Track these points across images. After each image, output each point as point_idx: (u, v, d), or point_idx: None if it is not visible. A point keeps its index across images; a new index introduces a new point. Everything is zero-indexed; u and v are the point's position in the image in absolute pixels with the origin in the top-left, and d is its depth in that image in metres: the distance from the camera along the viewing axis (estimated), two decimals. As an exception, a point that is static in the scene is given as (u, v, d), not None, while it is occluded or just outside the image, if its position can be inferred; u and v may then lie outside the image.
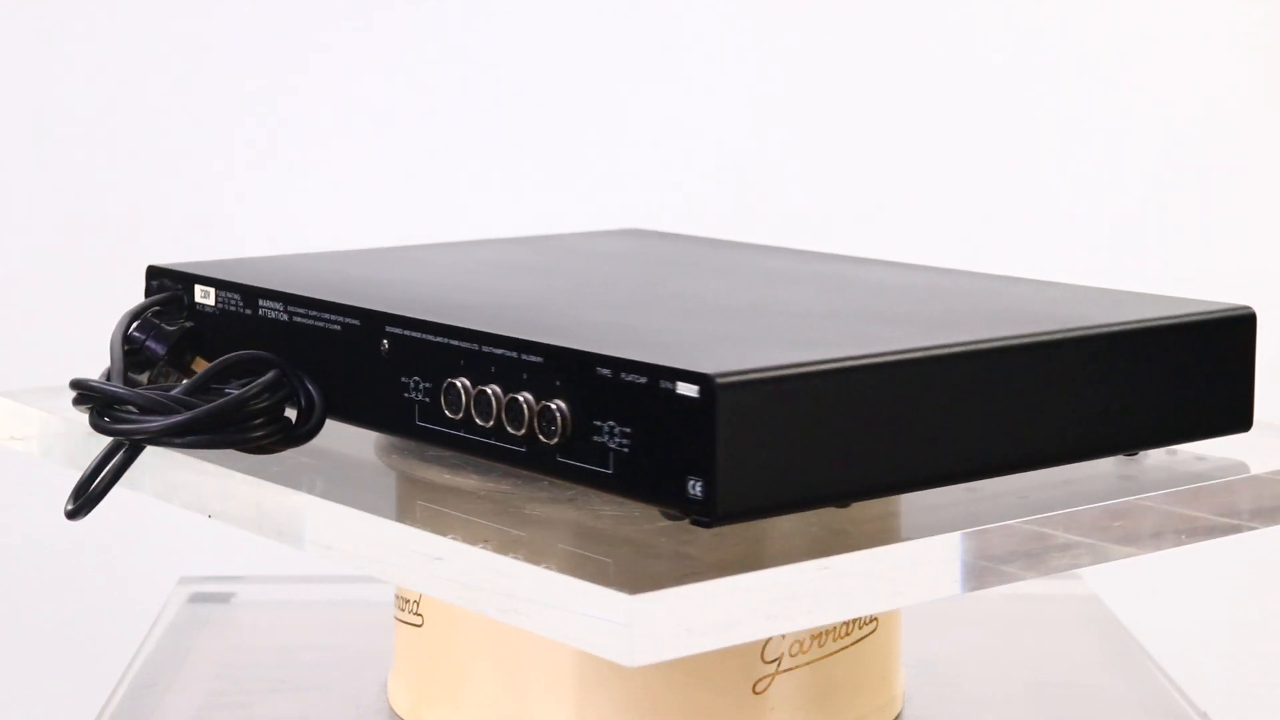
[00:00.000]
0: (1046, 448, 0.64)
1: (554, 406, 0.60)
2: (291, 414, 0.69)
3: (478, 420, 0.63)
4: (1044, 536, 0.63)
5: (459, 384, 0.64)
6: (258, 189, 1.36)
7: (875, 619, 0.73)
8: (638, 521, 0.62)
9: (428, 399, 0.65)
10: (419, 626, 0.74)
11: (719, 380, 0.57)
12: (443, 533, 0.61)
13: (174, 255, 0.86)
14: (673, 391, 0.58)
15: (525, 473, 0.65)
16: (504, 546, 0.60)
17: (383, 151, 1.37)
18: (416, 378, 0.66)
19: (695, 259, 0.81)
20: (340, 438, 0.72)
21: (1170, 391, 0.67)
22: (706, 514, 0.57)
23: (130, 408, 0.68)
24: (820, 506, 0.60)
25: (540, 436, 0.61)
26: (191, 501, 0.70)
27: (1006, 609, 0.93)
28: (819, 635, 0.71)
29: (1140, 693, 0.82)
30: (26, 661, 1.39)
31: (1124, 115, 1.39)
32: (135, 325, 0.75)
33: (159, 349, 0.75)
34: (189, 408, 0.67)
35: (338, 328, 0.69)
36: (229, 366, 0.70)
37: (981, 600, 0.93)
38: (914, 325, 0.66)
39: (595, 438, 0.60)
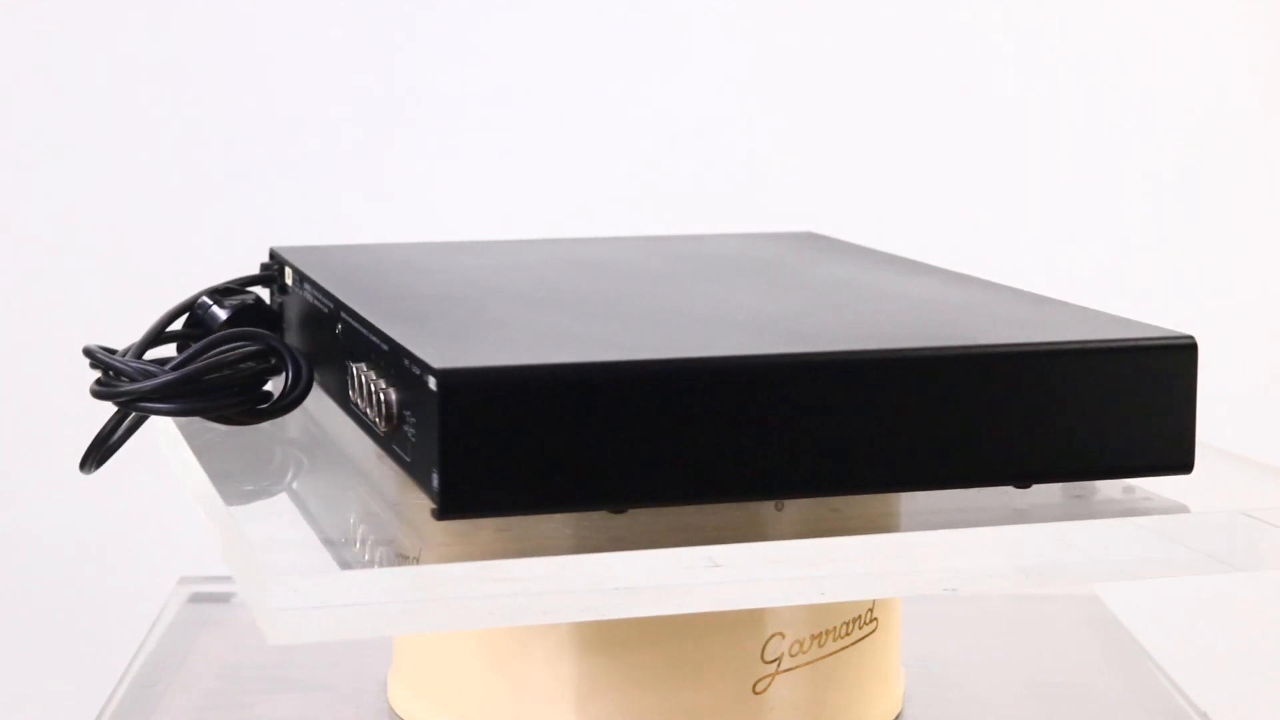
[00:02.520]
0: (870, 470, 0.61)
1: (385, 395, 0.63)
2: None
3: (360, 403, 0.66)
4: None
5: (355, 368, 0.66)
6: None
7: (875, 619, 0.73)
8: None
9: (348, 381, 0.68)
10: (419, 626, 0.74)
11: (444, 374, 0.57)
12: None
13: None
14: (425, 384, 0.59)
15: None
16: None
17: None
18: (349, 361, 0.68)
19: (639, 259, 0.82)
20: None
21: (1076, 422, 0.62)
22: (438, 506, 0.58)
23: (123, 376, 0.71)
24: (578, 509, 0.59)
25: (382, 423, 0.63)
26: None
27: (1006, 609, 0.93)
28: (819, 635, 0.71)
29: (1140, 693, 0.82)
30: (26, 661, 1.39)
31: (1121, 115, 1.39)
32: (209, 295, 0.79)
33: (219, 318, 0.78)
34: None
35: (325, 310, 0.73)
36: (220, 340, 0.72)
37: (981, 600, 0.93)
38: (745, 329, 0.64)
39: (403, 426, 0.61)
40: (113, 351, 0.73)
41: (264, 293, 0.82)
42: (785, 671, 0.71)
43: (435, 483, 0.58)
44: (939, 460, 0.61)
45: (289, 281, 0.79)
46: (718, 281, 0.75)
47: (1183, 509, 0.64)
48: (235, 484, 0.69)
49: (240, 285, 0.81)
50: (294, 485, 0.71)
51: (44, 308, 1.37)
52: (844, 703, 0.72)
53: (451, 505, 0.58)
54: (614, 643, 0.69)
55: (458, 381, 0.57)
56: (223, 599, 0.95)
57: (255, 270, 0.83)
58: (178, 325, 0.78)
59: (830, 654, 0.72)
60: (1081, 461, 0.62)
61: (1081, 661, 0.87)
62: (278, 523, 0.65)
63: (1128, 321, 0.65)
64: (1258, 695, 1.41)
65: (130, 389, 0.70)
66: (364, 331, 0.66)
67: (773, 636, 0.70)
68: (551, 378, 0.58)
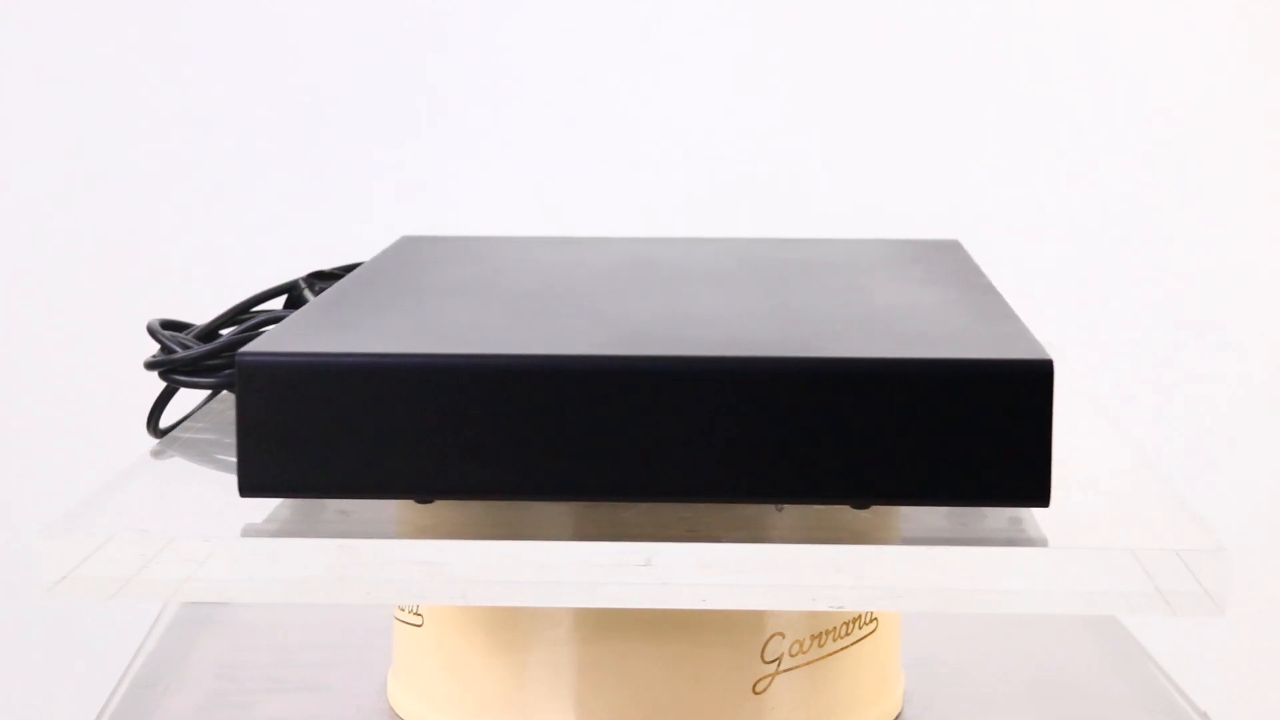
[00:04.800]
0: (685, 479, 0.60)
1: None
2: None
3: None
4: None
5: None
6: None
7: (875, 619, 0.73)
8: None
9: None
10: (419, 626, 0.74)
11: (244, 360, 0.60)
12: None
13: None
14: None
15: None
16: None
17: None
18: None
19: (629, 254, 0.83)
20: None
21: (919, 443, 0.59)
22: (239, 483, 0.61)
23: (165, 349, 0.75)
24: (377, 496, 0.61)
25: None
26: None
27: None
28: (819, 635, 0.71)
29: (1140, 693, 0.82)
30: (26, 661, 1.39)
31: (1118, 113, 1.39)
32: (305, 279, 0.82)
33: (305, 302, 0.80)
34: None
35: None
36: (243, 318, 0.76)
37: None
38: (595, 329, 0.65)
39: None
40: (181, 328, 0.77)
41: None
42: (785, 671, 0.70)
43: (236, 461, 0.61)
44: (767, 474, 0.60)
45: None
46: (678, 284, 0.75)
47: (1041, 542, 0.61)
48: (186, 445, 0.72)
49: (344, 271, 0.83)
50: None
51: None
52: (844, 703, 0.72)
53: (250, 483, 0.61)
54: (614, 643, 0.69)
55: (254, 368, 0.60)
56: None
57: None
58: (278, 307, 0.80)
59: (830, 654, 0.71)
60: (923, 485, 0.59)
61: (1081, 661, 0.87)
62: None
63: (999, 337, 0.62)
64: (1258, 695, 1.41)
65: (157, 358, 0.74)
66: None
67: (773, 636, 0.70)
68: (341, 369, 0.60)
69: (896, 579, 0.60)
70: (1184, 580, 0.59)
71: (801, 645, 0.71)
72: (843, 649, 0.72)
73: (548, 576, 0.61)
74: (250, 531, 0.62)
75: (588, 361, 0.60)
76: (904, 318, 0.66)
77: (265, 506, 0.65)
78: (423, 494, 0.61)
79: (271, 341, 0.62)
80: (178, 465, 0.73)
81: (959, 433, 0.59)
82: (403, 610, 0.75)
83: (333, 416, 0.60)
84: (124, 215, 1.39)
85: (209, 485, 0.69)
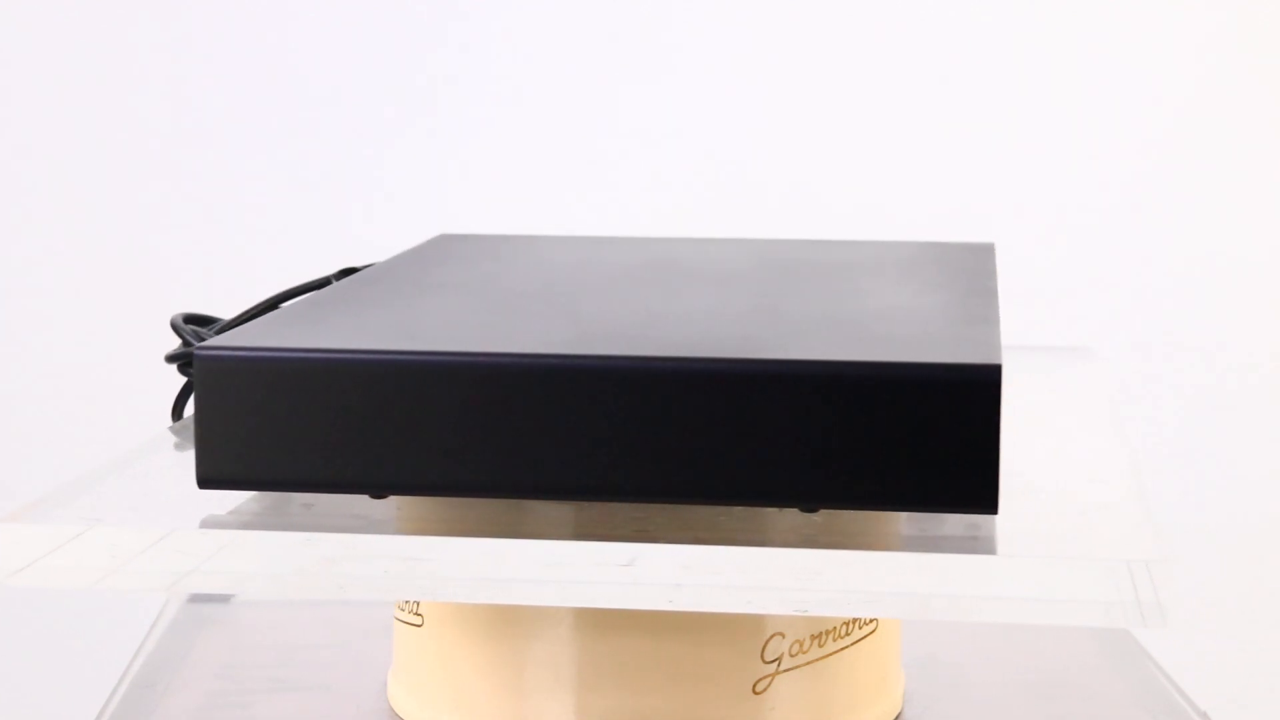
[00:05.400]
0: (633, 478, 0.60)
1: None
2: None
3: None
4: None
5: None
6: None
7: (875, 619, 0.73)
8: None
9: None
10: (419, 626, 0.74)
11: (200, 354, 0.61)
12: None
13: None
14: None
15: None
16: None
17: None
18: None
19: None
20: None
21: (864, 447, 0.59)
22: (197, 476, 0.62)
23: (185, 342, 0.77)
24: (331, 491, 0.62)
25: None
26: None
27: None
28: (819, 635, 0.71)
29: (1140, 693, 0.82)
30: (26, 661, 1.39)
31: (1116, 110, 1.39)
32: (336, 275, 0.82)
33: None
34: None
35: None
36: (270, 305, 0.77)
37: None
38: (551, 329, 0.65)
39: None
40: (206, 322, 0.78)
41: None
42: (785, 671, 0.71)
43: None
44: (714, 475, 0.59)
45: None
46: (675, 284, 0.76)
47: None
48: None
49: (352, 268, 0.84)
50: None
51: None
52: (844, 703, 0.72)
53: (207, 476, 0.62)
54: (614, 643, 0.69)
55: (210, 362, 0.61)
56: (223, 599, 0.95)
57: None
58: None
59: (830, 654, 0.71)
60: (869, 489, 0.59)
61: (1081, 661, 0.87)
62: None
63: (957, 342, 0.62)
64: (1258, 695, 1.41)
65: (177, 352, 0.75)
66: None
67: (772, 636, 0.70)
68: (291, 365, 0.61)
69: (848, 583, 0.59)
70: (1127, 590, 0.58)
71: (801, 645, 0.71)
72: (843, 649, 0.72)
73: (517, 574, 0.61)
74: (210, 523, 0.63)
75: (531, 360, 0.60)
76: (879, 321, 0.66)
77: (235, 499, 0.66)
78: (374, 490, 0.62)
79: (231, 337, 0.63)
80: (168, 457, 0.73)
81: (904, 437, 0.58)
82: (402, 610, 0.75)
83: (285, 412, 0.61)
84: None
85: (185, 477, 0.70)
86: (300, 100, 1.38)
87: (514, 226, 1.28)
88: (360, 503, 0.65)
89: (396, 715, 0.76)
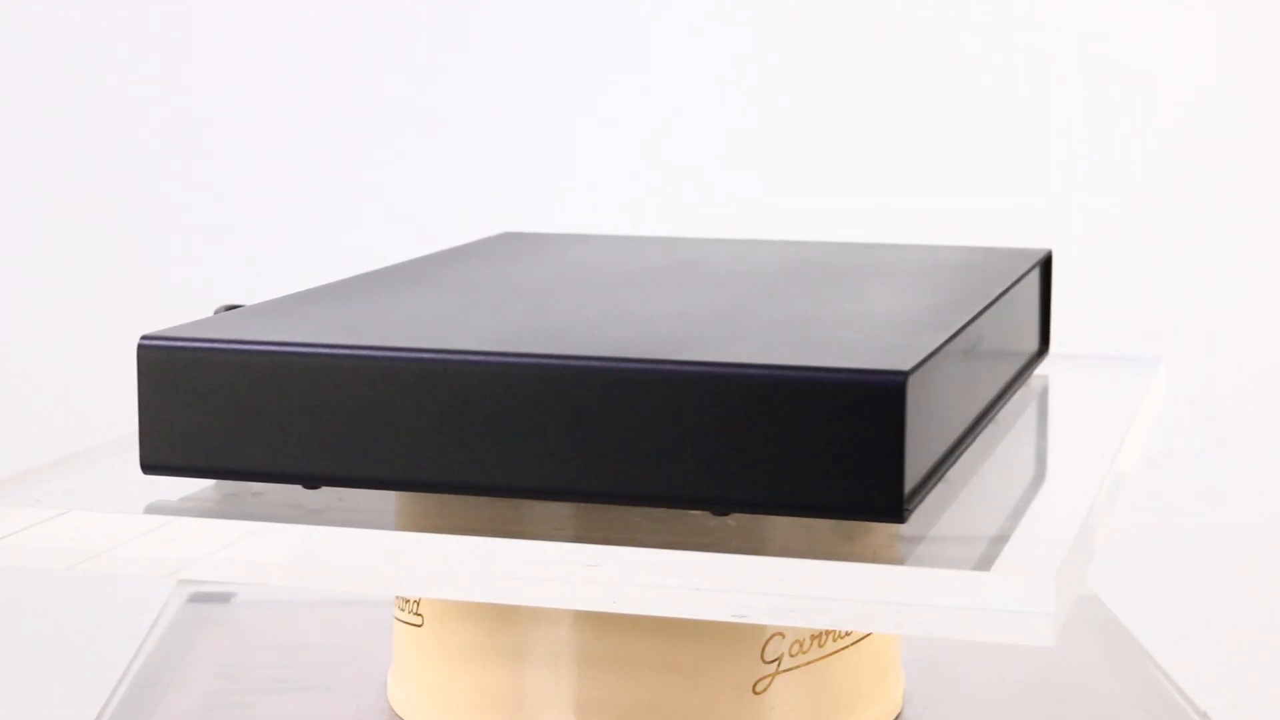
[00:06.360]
0: (542, 476, 0.61)
1: None
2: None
3: None
4: None
5: None
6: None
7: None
8: None
9: None
10: (419, 626, 0.74)
11: (140, 345, 0.64)
12: None
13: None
14: None
15: None
16: None
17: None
18: None
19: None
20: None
21: (770, 452, 0.58)
22: (140, 461, 0.64)
23: None
24: (265, 480, 0.64)
25: None
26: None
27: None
28: (819, 635, 0.71)
29: (1140, 693, 0.82)
30: (26, 661, 1.39)
31: (1116, 108, 1.39)
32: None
33: None
34: None
35: None
36: None
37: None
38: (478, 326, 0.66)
39: None
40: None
41: None
42: (785, 671, 0.71)
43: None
44: (626, 476, 0.60)
45: None
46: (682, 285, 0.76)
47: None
48: None
49: None
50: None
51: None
52: (844, 703, 0.72)
53: (148, 462, 0.64)
54: (614, 643, 0.69)
55: (148, 352, 0.64)
56: (223, 599, 0.95)
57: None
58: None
59: (830, 654, 0.72)
60: (778, 495, 0.59)
61: (1081, 661, 0.87)
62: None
63: (879, 348, 0.61)
64: (1258, 695, 1.41)
65: None
66: None
67: (773, 636, 0.70)
68: (223, 358, 0.63)
69: (768, 587, 0.59)
70: (1009, 602, 0.57)
71: (801, 645, 0.71)
72: (843, 649, 0.72)
73: (471, 570, 0.61)
74: (153, 509, 0.65)
75: (440, 357, 0.61)
76: (827, 326, 0.66)
77: (193, 485, 0.68)
78: (306, 480, 0.64)
79: (174, 329, 0.66)
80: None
81: (809, 444, 0.58)
82: (402, 610, 0.75)
83: (219, 402, 0.63)
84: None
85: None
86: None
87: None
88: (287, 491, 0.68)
89: (396, 715, 0.76)
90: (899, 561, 0.59)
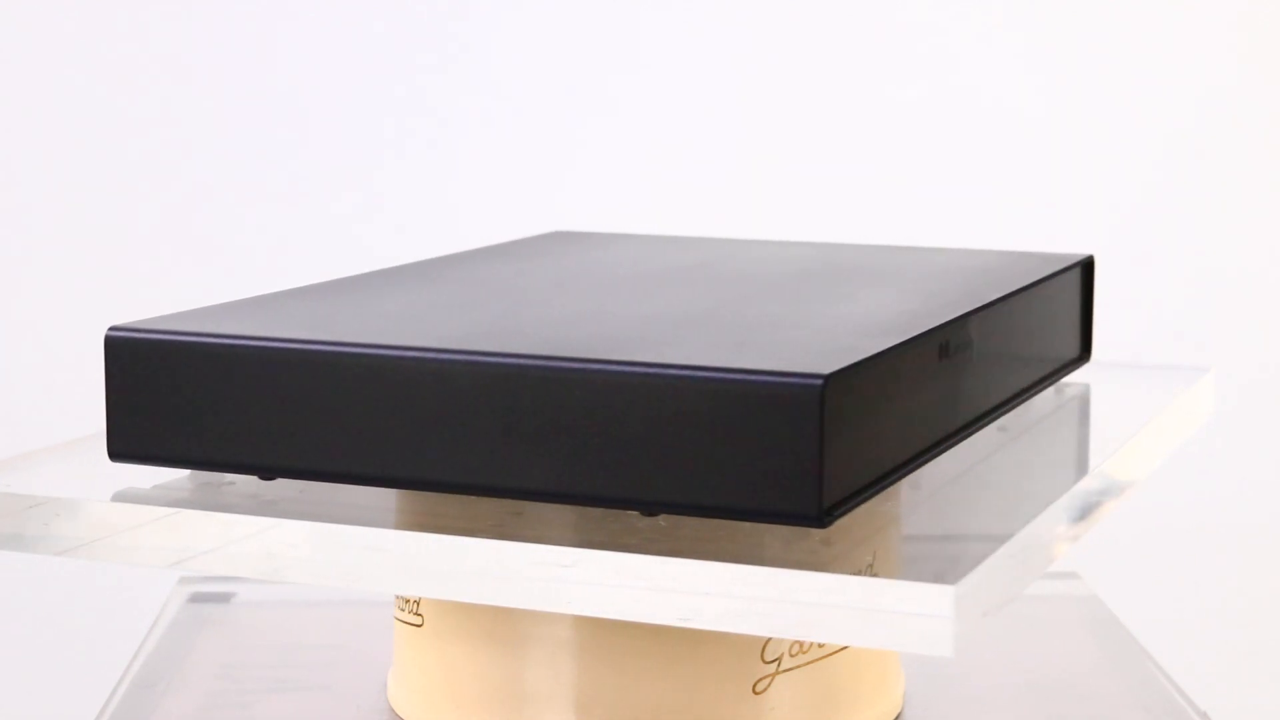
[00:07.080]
0: (478, 473, 0.61)
1: None
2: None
3: None
4: None
5: None
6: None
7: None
8: None
9: None
10: (419, 626, 0.74)
11: (107, 335, 0.66)
12: None
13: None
14: None
15: None
16: None
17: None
18: None
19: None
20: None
21: (694, 454, 0.58)
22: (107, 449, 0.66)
23: None
24: (225, 470, 0.65)
25: None
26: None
27: (1006, 609, 0.93)
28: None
29: (1140, 693, 0.82)
30: (26, 661, 1.39)
31: (1118, 110, 1.39)
32: None
33: None
34: None
35: None
36: None
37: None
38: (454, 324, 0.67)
39: None
40: None
41: None
42: (785, 671, 0.71)
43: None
44: (554, 474, 0.60)
45: None
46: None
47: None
48: None
49: None
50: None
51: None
52: (844, 703, 0.72)
53: (115, 450, 0.66)
54: (614, 643, 0.69)
55: (113, 343, 0.65)
56: (223, 599, 0.95)
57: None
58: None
59: (830, 654, 0.71)
60: (701, 496, 0.58)
61: (1081, 661, 0.87)
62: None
63: (807, 351, 0.61)
64: (1258, 695, 1.41)
65: None
66: None
67: (773, 636, 0.70)
68: (182, 349, 0.65)
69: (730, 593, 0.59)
70: (915, 609, 0.57)
71: (802, 645, 0.71)
72: (843, 649, 0.72)
73: (452, 568, 0.62)
74: (120, 497, 0.66)
75: (385, 354, 0.62)
76: (787, 328, 0.66)
77: (164, 474, 0.68)
78: (262, 472, 0.65)
79: (141, 321, 0.67)
80: None
81: (733, 446, 0.58)
82: (402, 610, 0.75)
83: (180, 393, 0.65)
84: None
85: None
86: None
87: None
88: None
89: (396, 715, 0.76)
90: (820, 566, 0.58)
